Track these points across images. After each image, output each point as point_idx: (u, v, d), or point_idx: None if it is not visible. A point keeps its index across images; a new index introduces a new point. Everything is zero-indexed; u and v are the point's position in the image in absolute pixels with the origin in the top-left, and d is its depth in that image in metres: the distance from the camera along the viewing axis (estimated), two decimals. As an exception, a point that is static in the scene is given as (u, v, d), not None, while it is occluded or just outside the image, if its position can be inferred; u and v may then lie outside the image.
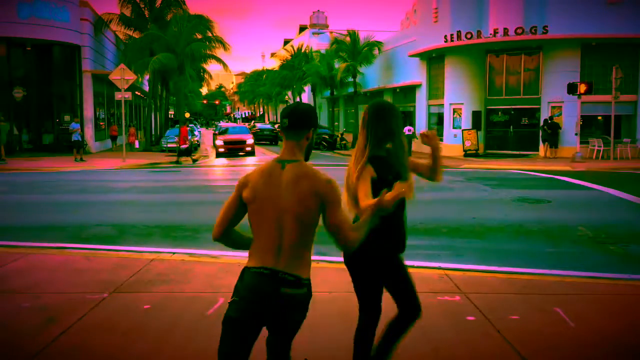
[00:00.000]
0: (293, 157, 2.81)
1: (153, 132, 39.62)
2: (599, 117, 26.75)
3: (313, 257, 7.51)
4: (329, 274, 6.59)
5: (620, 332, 4.85)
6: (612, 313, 5.30)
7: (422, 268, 6.89)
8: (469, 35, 27.47)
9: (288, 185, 2.73)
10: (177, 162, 25.85)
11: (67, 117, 30.19)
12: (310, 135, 2.85)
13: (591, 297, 5.79)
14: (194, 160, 26.27)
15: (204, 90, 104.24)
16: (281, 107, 77.28)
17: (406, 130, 34.55)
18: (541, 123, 27.23)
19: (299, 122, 2.83)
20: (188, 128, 27.82)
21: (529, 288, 6.01)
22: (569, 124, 25.86)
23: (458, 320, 5.09)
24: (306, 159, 2.88)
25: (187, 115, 52.59)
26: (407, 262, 7.14)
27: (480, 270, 6.88)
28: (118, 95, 25.35)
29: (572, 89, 23.32)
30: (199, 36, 32.43)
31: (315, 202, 2.70)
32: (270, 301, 2.72)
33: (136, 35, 33.86)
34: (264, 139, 45.04)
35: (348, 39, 38.37)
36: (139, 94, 43.67)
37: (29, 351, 4.41)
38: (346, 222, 2.72)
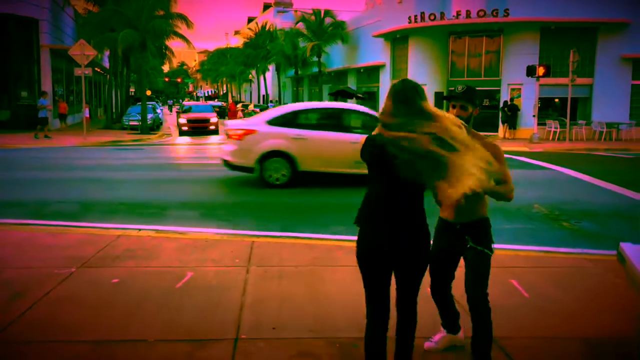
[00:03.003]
0: None
1: (114, 110, 38.86)
2: (556, 100, 27.46)
3: (280, 233, 7.66)
4: (297, 249, 6.76)
5: (571, 300, 5.15)
6: (563, 284, 5.61)
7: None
8: (432, 17, 27.74)
9: None
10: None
11: (24, 93, 29.39)
12: None
13: (544, 269, 6.10)
14: None
15: (166, 68, 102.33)
16: (245, 86, 76.65)
17: None
18: (501, 105, 27.81)
19: None
20: (234, 103, 28.31)
21: (486, 261, 6.28)
22: (528, 106, 26.51)
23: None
24: None
25: (149, 93, 51.75)
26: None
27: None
28: (78, 71, 24.78)
29: (530, 71, 23.86)
30: (161, 12, 31.78)
31: None
32: None
33: (96, 10, 32.98)
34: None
35: (313, 17, 38.25)
36: (98, 70, 42.70)
37: (-3, 324, 4.43)
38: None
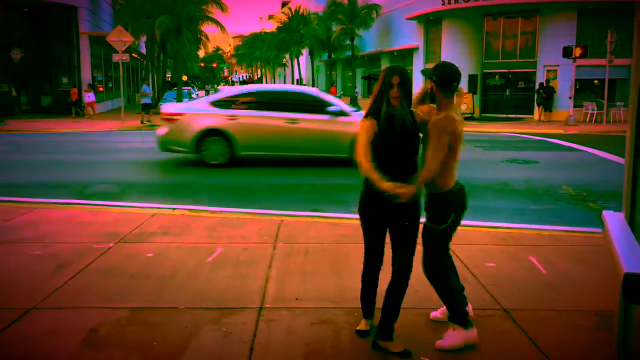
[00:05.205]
0: None
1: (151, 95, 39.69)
2: (595, 81, 26.91)
3: (308, 213, 7.91)
4: (321, 227, 7.01)
5: (587, 276, 5.28)
6: (581, 260, 5.73)
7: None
8: (466, -2, 27.45)
9: None
10: None
11: (64, 79, 30.25)
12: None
13: (565, 247, 6.20)
14: None
15: (201, 53, 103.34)
16: (279, 70, 76.85)
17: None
18: (537, 87, 27.42)
19: None
20: (335, 88, 29.48)
21: (507, 240, 6.42)
22: (564, 88, 26.08)
23: (438, 267, 5.48)
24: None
25: (185, 78, 52.54)
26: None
27: (464, 225, 7.23)
28: (115, 57, 25.40)
29: (567, 52, 23.47)
30: (197, -4, 32.36)
31: None
32: None
33: (132, -4, 33.66)
34: None
35: (346, 1, 38.14)
36: (135, 56, 43.52)
37: (43, 291, 4.80)
38: None
